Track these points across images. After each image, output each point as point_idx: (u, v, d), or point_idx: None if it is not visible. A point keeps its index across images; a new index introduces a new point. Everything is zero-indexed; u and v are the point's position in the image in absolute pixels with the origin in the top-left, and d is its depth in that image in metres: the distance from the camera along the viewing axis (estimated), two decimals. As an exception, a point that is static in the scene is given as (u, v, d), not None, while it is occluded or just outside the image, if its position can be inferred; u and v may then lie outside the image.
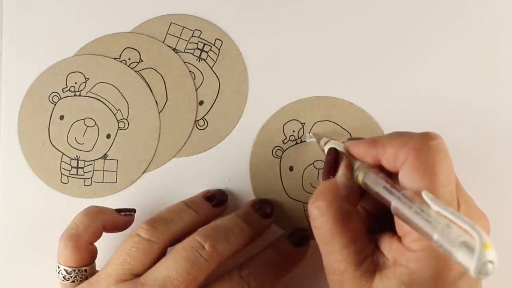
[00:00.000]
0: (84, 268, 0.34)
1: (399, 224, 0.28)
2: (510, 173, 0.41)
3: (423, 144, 0.27)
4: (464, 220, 0.23)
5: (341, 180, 0.31)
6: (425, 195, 0.26)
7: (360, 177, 0.30)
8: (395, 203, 0.27)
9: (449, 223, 0.23)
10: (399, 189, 0.27)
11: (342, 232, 0.29)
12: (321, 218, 0.29)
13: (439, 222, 0.24)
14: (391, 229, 0.30)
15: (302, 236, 0.38)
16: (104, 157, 0.41)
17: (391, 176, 0.29)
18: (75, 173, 0.41)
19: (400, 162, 0.28)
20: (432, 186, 0.26)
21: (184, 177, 0.41)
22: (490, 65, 0.41)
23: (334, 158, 0.33)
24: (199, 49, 0.41)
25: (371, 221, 0.33)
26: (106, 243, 0.37)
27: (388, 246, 0.29)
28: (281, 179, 0.41)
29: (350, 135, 0.41)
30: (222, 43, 0.41)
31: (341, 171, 0.31)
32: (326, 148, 0.35)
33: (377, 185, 0.28)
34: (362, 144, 0.31)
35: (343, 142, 0.37)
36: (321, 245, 0.30)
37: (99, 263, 0.36)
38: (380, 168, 0.30)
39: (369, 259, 0.29)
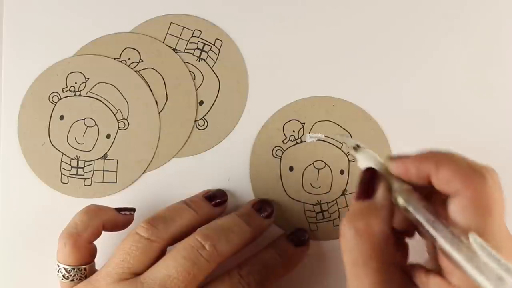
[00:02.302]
0: (83, 267, 0.34)
1: (443, 260, 0.27)
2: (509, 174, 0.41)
3: (483, 179, 0.26)
4: None
5: (381, 202, 0.29)
6: (473, 240, 0.24)
7: (400, 201, 0.29)
8: (442, 242, 0.25)
9: (502, 277, 0.23)
10: (444, 223, 0.26)
11: (379, 256, 0.27)
12: (358, 241, 0.28)
13: (491, 274, 0.23)
14: (401, 244, 0.30)
15: (302, 236, 0.38)
16: (104, 157, 0.41)
17: (435, 196, 0.28)
18: (75, 173, 0.41)
19: (453, 188, 0.27)
20: (487, 226, 0.25)
21: (184, 177, 0.41)
22: (490, 64, 0.41)
23: (372, 179, 0.30)
24: (199, 49, 0.41)
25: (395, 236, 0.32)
26: (106, 242, 0.37)
27: (423, 279, 0.28)
28: (281, 179, 0.41)
29: (350, 135, 0.41)
30: (222, 43, 0.41)
31: (382, 193, 0.29)
32: (359, 158, 0.32)
33: (420, 215, 0.27)
34: (411, 162, 0.29)
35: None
36: (351, 267, 0.28)
37: (99, 262, 0.36)
38: (423, 187, 0.28)
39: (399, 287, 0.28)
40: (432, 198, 0.29)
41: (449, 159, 0.28)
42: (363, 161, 0.32)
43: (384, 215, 0.29)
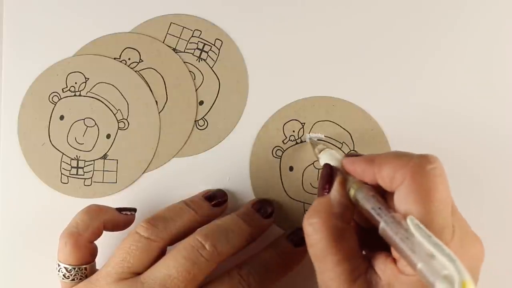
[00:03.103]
0: (84, 266, 0.34)
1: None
2: (509, 176, 0.41)
3: (421, 168, 0.27)
4: (447, 254, 0.23)
5: (335, 197, 0.31)
6: (410, 222, 0.25)
7: (352, 193, 0.30)
8: (383, 226, 0.27)
9: (432, 254, 0.23)
10: (388, 210, 0.27)
11: (335, 249, 0.29)
12: (315, 236, 0.29)
13: (423, 252, 0.24)
14: (384, 244, 0.30)
15: (302, 236, 0.38)
16: (104, 157, 0.41)
17: (388, 195, 0.29)
18: (75, 173, 0.41)
19: (396, 183, 0.28)
20: (427, 211, 0.26)
21: (184, 177, 0.41)
22: (490, 65, 0.41)
23: (329, 174, 0.32)
24: (199, 49, 0.41)
25: (365, 234, 0.33)
26: (107, 242, 0.37)
27: (382, 266, 0.29)
28: (281, 179, 0.41)
29: (350, 135, 0.41)
30: (222, 43, 0.41)
31: (335, 188, 0.31)
32: (320, 157, 0.35)
33: (367, 204, 0.28)
34: (359, 162, 0.31)
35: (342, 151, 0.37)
36: (314, 262, 0.30)
37: (100, 262, 0.36)
38: (377, 187, 0.30)
39: (362, 278, 0.29)
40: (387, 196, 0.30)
41: (389, 157, 0.29)
42: (323, 160, 0.34)
43: (337, 209, 0.30)
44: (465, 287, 0.21)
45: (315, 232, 0.29)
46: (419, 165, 0.27)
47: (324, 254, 0.29)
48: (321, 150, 0.36)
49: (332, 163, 0.33)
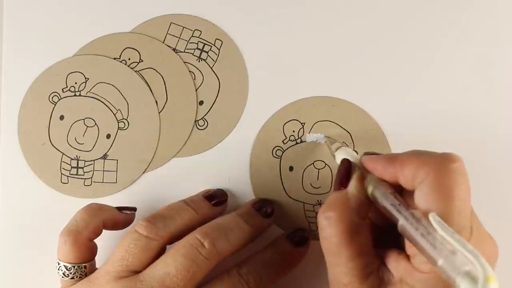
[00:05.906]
0: (83, 264, 0.34)
1: (408, 244, 0.28)
2: (509, 176, 0.41)
3: (444, 166, 0.27)
4: (470, 250, 0.23)
5: (352, 192, 0.30)
6: (432, 218, 0.25)
7: (370, 190, 0.30)
8: (402, 222, 0.26)
9: (454, 250, 0.23)
10: (407, 207, 0.27)
11: (350, 244, 0.29)
12: (329, 229, 0.29)
13: (444, 248, 0.24)
14: (396, 243, 0.30)
15: (302, 236, 0.38)
16: (104, 157, 0.41)
17: (405, 194, 0.29)
18: (75, 173, 0.41)
19: (418, 181, 0.27)
20: (448, 210, 0.26)
21: (184, 177, 0.41)
22: (490, 65, 0.41)
23: (347, 169, 0.32)
24: (199, 49, 0.41)
25: (377, 232, 0.32)
26: (107, 241, 0.37)
27: (394, 263, 0.29)
28: (281, 179, 0.41)
29: (350, 135, 0.41)
30: (222, 43, 0.41)
31: (353, 183, 0.31)
32: (337, 154, 0.35)
33: (386, 201, 0.28)
34: (380, 160, 0.30)
35: (357, 152, 0.37)
36: (327, 256, 0.30)
37: (100, 261, 0.36)
38: (394, 186, 0.29)
39: (374, 274, 0.29)
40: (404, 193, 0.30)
41: (412, 155, 0.29)
42: (340, 157, 0.34)
43: (354, 205, 0.30)
44: (490, 282, 0.21)
45: (330, 226, 0.29)
46: (442, 163, 0.27)
47: (338, 249, 0.29)
48: (338, 148, 0.35)
49: (348, 158, 0.33)
